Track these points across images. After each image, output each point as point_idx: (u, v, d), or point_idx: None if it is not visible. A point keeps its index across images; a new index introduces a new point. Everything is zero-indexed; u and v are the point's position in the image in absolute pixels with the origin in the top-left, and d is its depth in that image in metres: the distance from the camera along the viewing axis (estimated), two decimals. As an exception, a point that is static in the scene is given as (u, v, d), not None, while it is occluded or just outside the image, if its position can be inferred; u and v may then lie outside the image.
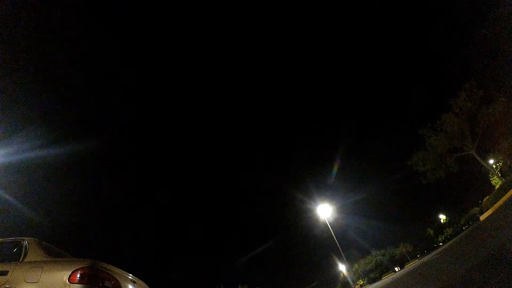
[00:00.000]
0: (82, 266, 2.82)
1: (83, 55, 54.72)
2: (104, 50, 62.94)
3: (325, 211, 31.03)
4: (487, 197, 27.85)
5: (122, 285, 3.16)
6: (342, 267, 50.01)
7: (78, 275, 2.75)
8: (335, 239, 29.17)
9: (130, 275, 3.62)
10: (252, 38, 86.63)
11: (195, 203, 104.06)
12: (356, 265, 59.78)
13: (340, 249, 29.92)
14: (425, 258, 23.30)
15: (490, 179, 35.37)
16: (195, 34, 75.34)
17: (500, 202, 20.67)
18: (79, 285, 2.70)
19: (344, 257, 32.41)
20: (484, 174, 36.01)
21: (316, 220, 33.74)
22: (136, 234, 78.84)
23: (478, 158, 29.66)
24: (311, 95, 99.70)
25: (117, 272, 3.24)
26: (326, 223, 30.07)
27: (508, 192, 19.95)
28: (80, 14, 50.17)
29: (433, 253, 27.49)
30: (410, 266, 30.19)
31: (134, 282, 3.59)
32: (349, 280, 48.95)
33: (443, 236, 56.93)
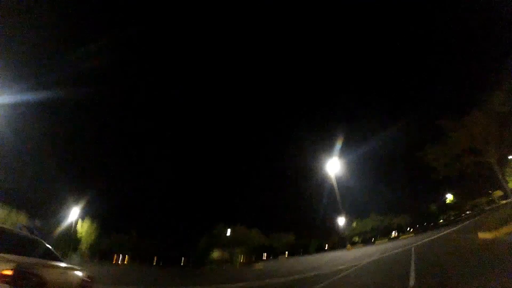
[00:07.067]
0: (7, 267, 2.76)
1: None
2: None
3: (333, 167, 33.64)
4: (497, 191, 27.00)
5: (49, 280, 3.22)
6: (341, 220, 52.58)
7: (3, 276, 2.71)
8: (336, 190, 31.83)
9: (62, 265, 3.82)
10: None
11: (197, 195, 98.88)
12: (354, 224, 62.56)
13: (340, 203, 33.94)
14: (419, 238, 24.47)
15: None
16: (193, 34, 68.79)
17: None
18: (5, 285, 2.68)
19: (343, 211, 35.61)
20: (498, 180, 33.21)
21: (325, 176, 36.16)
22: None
23: (497, 170, 27.13)
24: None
25: (46, 267, 3.38)
26: (332, 177, 32.33)
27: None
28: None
29: (429, 233, 28.33)
30: (404, 239, 32.00)
31: (66, 272, 3.80)
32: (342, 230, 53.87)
33: (445, 215, 58.02)
